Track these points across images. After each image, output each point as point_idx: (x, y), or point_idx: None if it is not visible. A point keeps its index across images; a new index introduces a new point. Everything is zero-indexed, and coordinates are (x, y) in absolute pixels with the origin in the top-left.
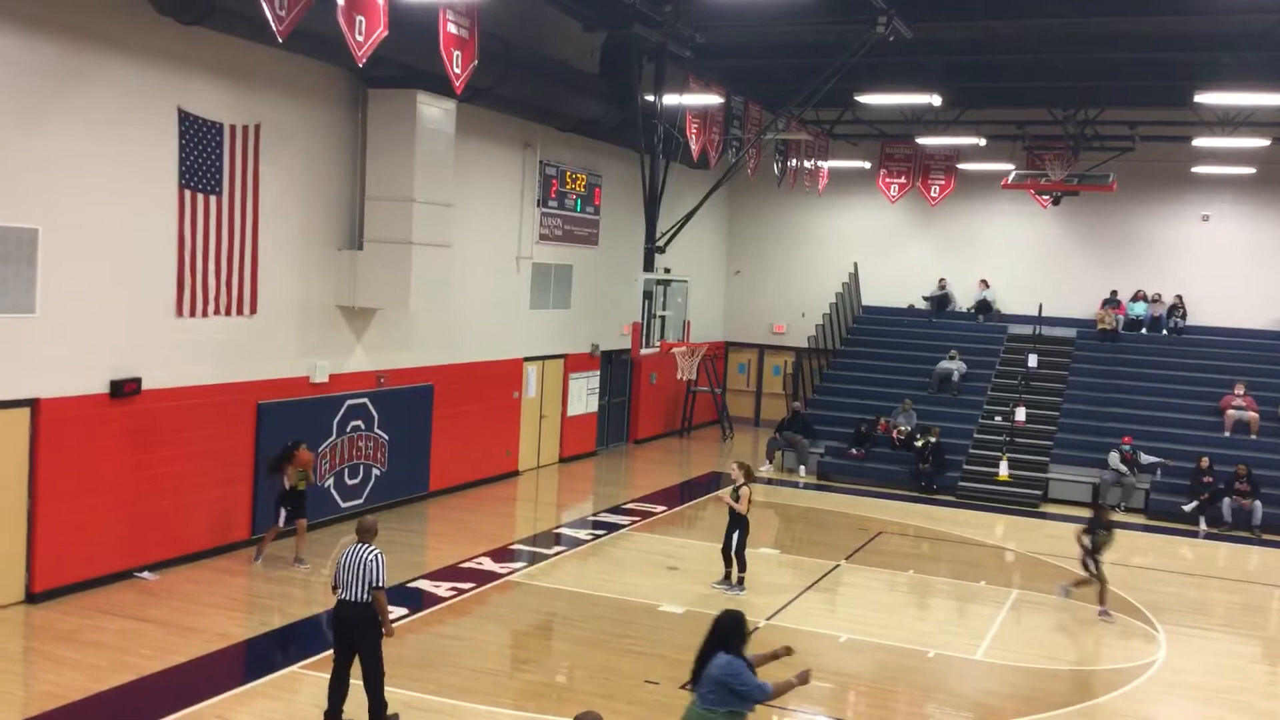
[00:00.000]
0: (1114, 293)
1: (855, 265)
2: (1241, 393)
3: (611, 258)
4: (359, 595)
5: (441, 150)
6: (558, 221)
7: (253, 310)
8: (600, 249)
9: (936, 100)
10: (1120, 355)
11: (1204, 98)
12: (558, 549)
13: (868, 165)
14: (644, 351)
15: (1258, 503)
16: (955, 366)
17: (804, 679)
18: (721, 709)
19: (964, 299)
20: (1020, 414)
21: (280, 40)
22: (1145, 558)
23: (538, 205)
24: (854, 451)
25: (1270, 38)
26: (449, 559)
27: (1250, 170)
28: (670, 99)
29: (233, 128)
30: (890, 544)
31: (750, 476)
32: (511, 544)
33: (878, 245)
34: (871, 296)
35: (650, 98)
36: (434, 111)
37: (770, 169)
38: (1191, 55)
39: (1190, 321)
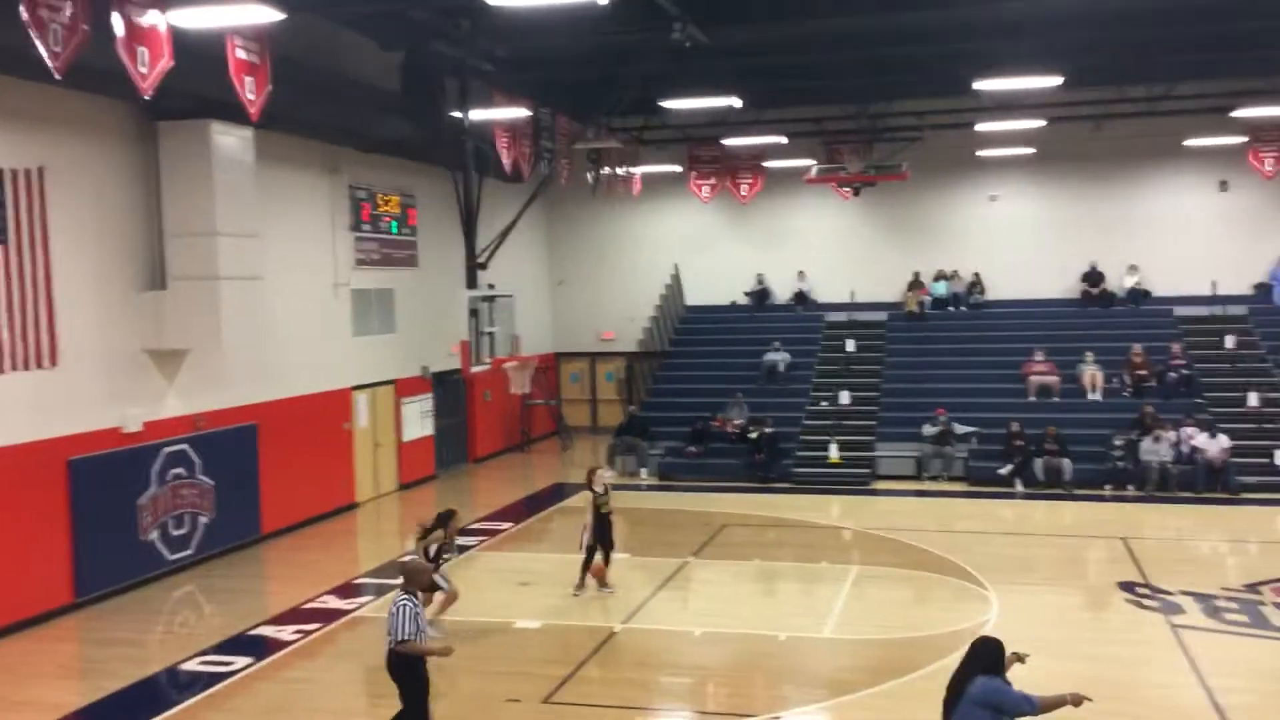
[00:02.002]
0: (917, 274)
1: (676, 267)
2: (1041, 359)
3: (434, 278)
4: (389, 646)
5: (242, 180)
6: (374, 245)
7: (53, 362)
8: (421, 270)
9: (737, 102)
10: (929, 333)
11: (981, 85)
12: None
13: (679, 169)
14: (475, 369)
15: (1066, 460)
16: (780, 357)
17: (1077, 700)
18: None
19: (782, 291)
20: (844, 397)
21: (58, 77)
22: (969, 522)
23: (351, 230)
24: (692, 450)
25: (1038, 22)
26: (291, 601)
27: (1031, 151)
28: (477, 114)
29: (14, 173)
30: (735, 536)
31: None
32: (356, 579)
33: (696, 245)
34: (695, 296)
35: (457, 114)
36: (231, 141)
37: (584, 178)
38: (967, 44)
39: (989, 296)
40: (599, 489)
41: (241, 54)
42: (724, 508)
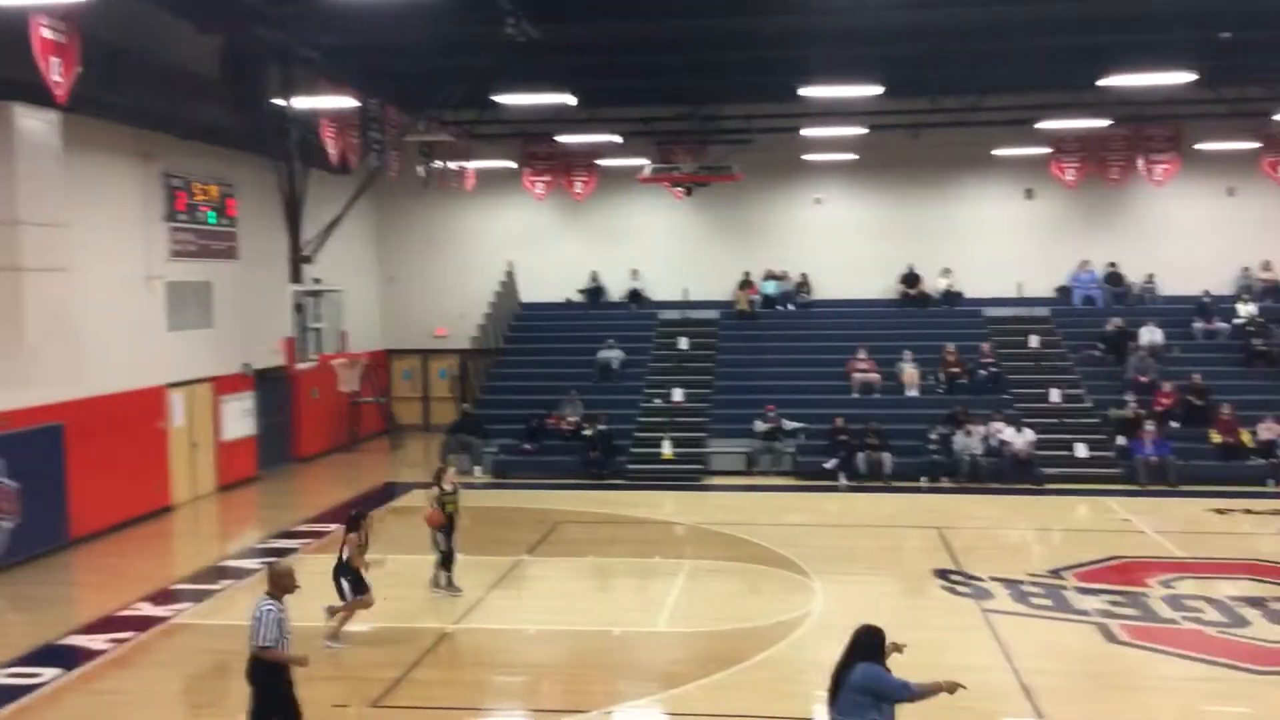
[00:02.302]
0: (747, 274)
1: (511, 263)
2: (864, 357)
3: (256, 271)
4: (250, 651)
5: (48, 166)
6: (191, 236)
7: None
8: (243, 263)
9: (571, 100)
10: (759, 332)
11: (805, 91)
12: (226, 583)
13: (514, 164)
14: (300, 366)
15: (887, 455)
16: (614, 355)
17: (951, 687)
18: (860, 717)
19: (617, 289)
20: (677, 394)
21: None
22: (797, 515)
23: (166, 220)
24: (527, 447)
25: (860, 34)
26: (103, 609)
27: (854, 156)
28: (302, 102)
29: None
30: (569, 533)
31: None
32: (173, 584)
33: (531, 242)
34: (530, 293)
35: (280, 101)
36: (35, 124)
37: (416, 172)
38: (794, 52)
39: (816, 296)
40: (448, 487)
41: (48, 33)
42: (559, 505)
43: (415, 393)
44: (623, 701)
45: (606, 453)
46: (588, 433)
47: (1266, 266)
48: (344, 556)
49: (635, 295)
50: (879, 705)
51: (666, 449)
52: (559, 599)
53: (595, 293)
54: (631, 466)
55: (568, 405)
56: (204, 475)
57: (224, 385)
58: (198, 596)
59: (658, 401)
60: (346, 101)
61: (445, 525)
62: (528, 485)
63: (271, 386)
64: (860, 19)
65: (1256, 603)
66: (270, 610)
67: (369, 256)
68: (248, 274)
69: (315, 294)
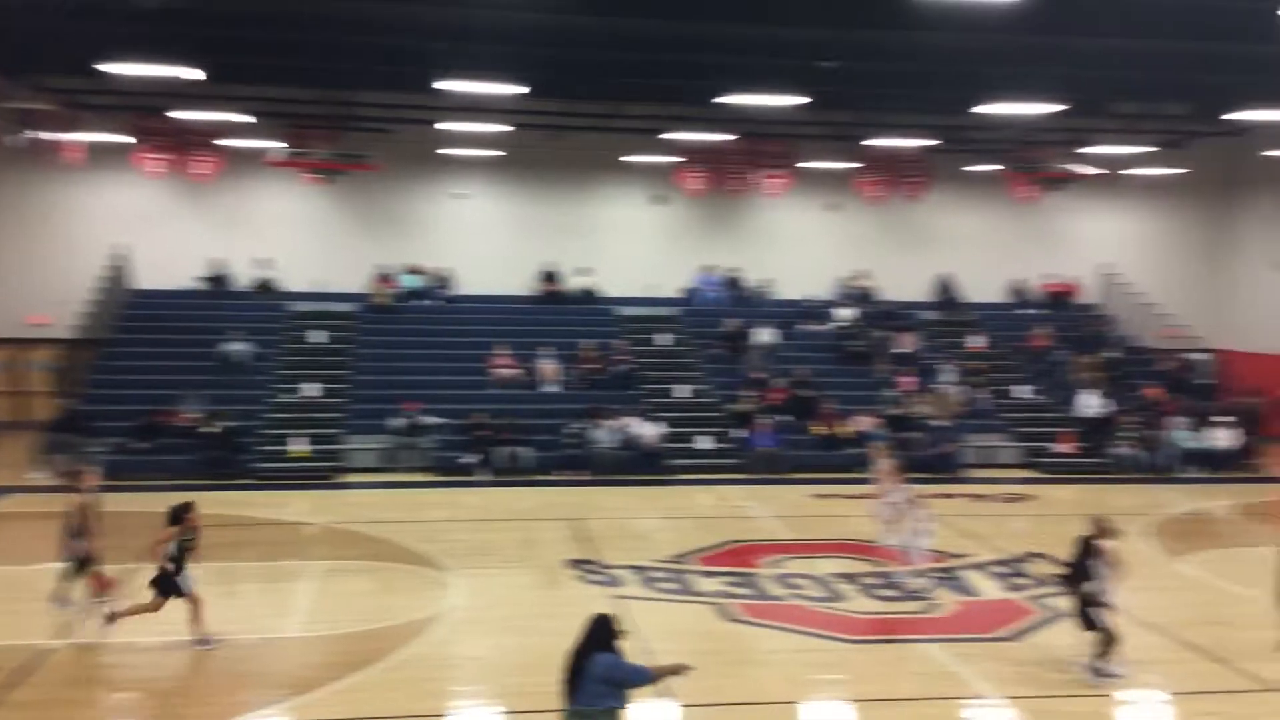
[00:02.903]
0: (386, 266)
1: (123, 246)
2: (504, 352)
3: None
4: None
5: None
6: None
7: None
8: None
9: (194, 74)
10: (398, 326)
11: (443, 85)
12: None
13: (129, 139)
14: None
15: (525, 448)
16: (241, 347)
17: (681, 670)
18: (601, 706)
19: (244, 277)
20: (311, 389)
21: None
22: (436, 511)
23: None
24: (140, 446)
25: (501, 32)
26: None
27: (497, 153)
28: None
29: None
30: None
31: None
32: None
33: (148, 224)
34: (145, 279)
35: None
36: None
37: (10, 141)
38: (436, 43)
39: (458, 290)
40: (88, 491)
41: None
42: None
43: (7, 387)
44: (249, 711)
45: (233, 450)
46: (212, 429)
47: (861, 275)
48: (172, 551)
49: (264, 284)
50: (616, 691)
51: (297, 446)
52: (178, 608)
53: (220, 280)
54: (259, 465)
55: (188, 400)
56: None
57: None
58: None
59: (289, 396)
60: None
61: (80, 532)
62: (142, 487)
63: None
64: (501, 17)
65: (850, 578)
66: None
67: None
68: None
69: None
